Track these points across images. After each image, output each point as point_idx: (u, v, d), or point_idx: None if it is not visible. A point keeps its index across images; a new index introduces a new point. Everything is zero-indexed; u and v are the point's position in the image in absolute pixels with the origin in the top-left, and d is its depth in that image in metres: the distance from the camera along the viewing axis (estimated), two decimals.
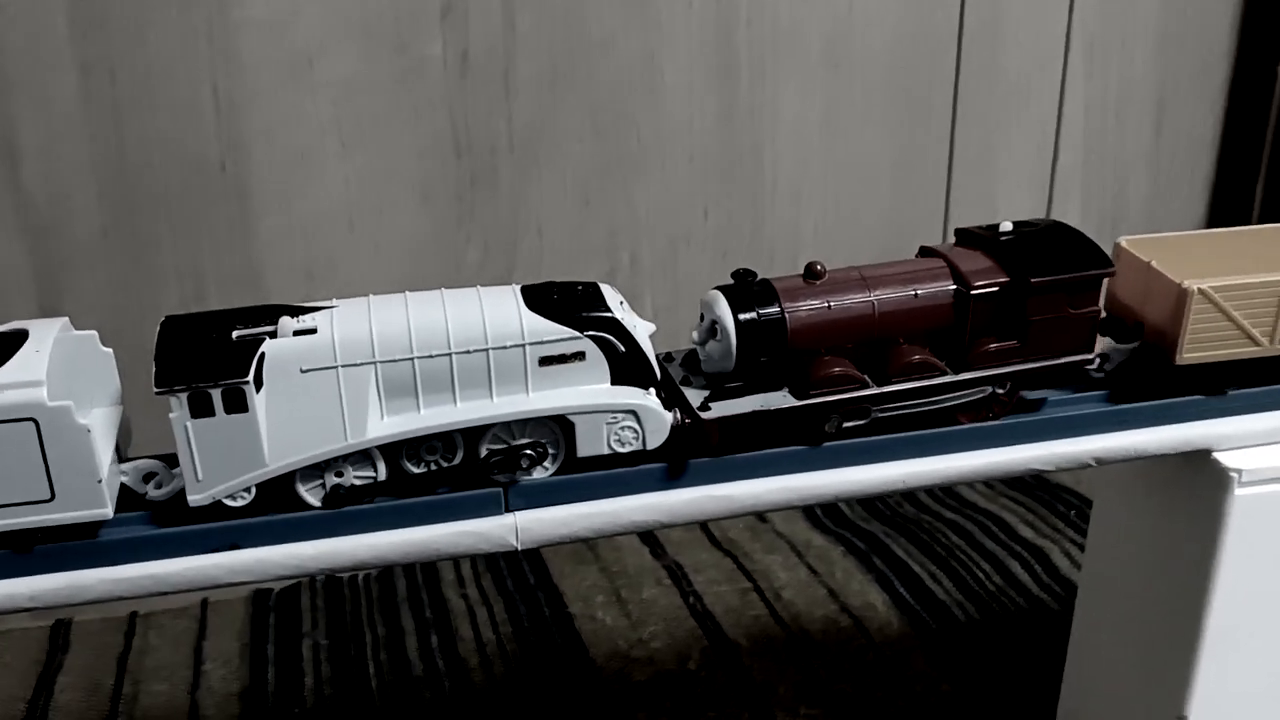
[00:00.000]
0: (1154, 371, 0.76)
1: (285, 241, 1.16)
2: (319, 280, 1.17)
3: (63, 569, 0.63)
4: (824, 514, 1.36)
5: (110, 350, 0.65)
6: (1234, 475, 0.75)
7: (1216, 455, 0.75)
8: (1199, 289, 0.73)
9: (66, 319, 0.63)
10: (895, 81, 1.29)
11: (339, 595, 1.22)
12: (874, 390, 0.70)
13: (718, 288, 0.70)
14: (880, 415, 0.71)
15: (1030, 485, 1.40)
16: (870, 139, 1.30)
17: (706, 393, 0.69)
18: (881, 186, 1.33)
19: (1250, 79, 1.39)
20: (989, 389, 0.72)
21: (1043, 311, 0.71)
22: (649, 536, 1.32)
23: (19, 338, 0.61)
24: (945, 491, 1.40)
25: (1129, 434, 0.75)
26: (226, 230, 1.14)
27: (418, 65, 1.15)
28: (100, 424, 0.62)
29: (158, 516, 0.64)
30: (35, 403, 0.58)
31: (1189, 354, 0.74)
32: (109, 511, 0.61)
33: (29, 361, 0.59)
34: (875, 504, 1.38)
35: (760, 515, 1.36)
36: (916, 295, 0.71)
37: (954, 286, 0.71)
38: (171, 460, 0.64)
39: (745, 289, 0.70)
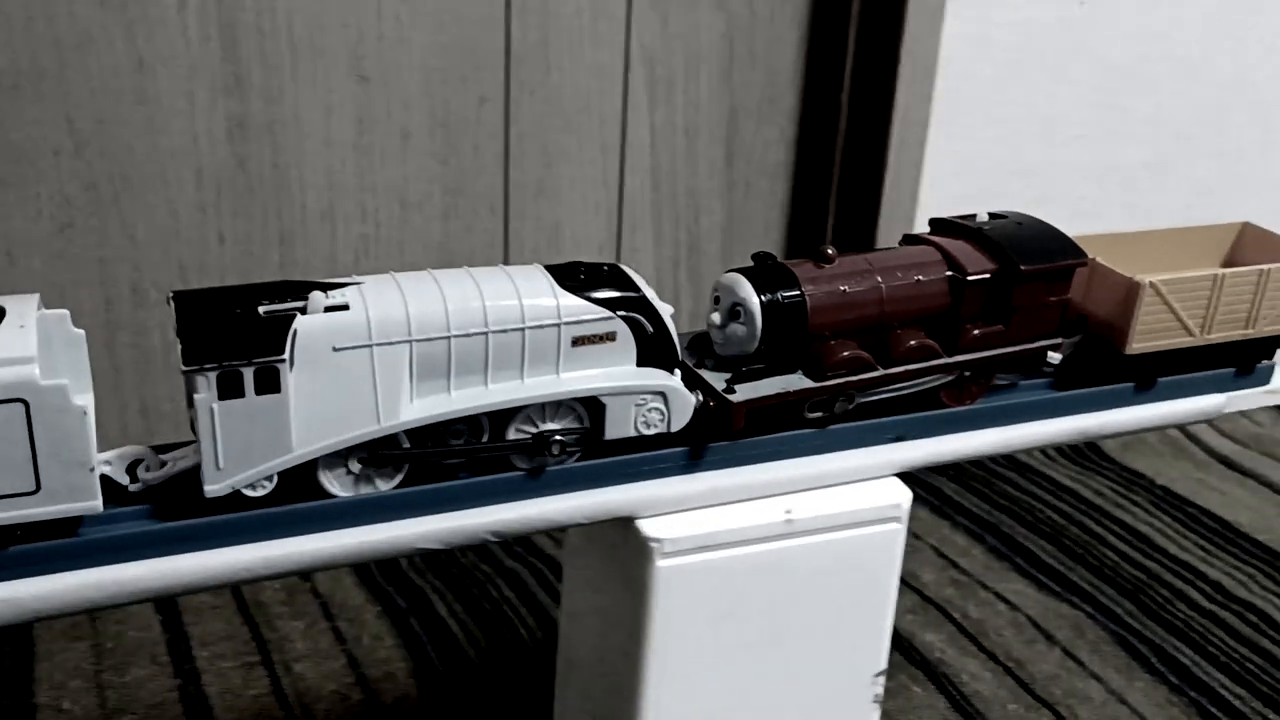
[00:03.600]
0: (1103, 361, 0.80)
1: None
2: None
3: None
4: (377, 569, 1.24)
5: (82, 331, 0.58)
6: (654, 545, 0.67)
7: (639, 523, 0.68)
8: (1150, 283, 0.76)
9: (38, 295, 0.57)
10: (437, 98, 1.19)
11: None
12: (883, 373, 0.72)
13: (736, 270, 0.70)
14: (877, 398, 0.73)
15: None
16: (413, 159, 1.20)
17: (726, 375, 0.69)
18: (429, 211, 1.22)
19: (817, 106, 1.37)
20: (972, 371, 0.75)
21: (1026, 299, 0.75)
22: (168, 605, 1.16)
23: None
24: (515, 539, 1.31)
25: (542, 501, 0.66)
26: None
27: None
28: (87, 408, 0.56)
29: (159, 510, 0.59)
30: (26, 381, 0.52)
31: (1138, 344, 0.78)
32: (99, 504, 0.56)
33: (14, 338, 0.53)
34: (438, 555, 1.27)
35: (303, 574, 1.23)
36: (918, 281, 0.73)
37: (950, 273, 0.74)
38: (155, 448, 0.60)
39: (765, 271, 0.70)
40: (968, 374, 0.75)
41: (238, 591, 1.18)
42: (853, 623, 0.74)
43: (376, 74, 1.15)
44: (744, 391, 0.68)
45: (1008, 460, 1.50)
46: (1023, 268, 0.73)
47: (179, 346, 0.55)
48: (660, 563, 0.67)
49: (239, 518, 0.59)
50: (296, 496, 0.60)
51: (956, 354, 0.74)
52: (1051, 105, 1.44)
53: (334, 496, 0.61)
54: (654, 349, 0.65)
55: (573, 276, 0.64)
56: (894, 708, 1.06)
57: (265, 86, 1.11)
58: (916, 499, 1.43)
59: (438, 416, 0.61)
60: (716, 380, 0.69)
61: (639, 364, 0.65)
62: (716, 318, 0.70)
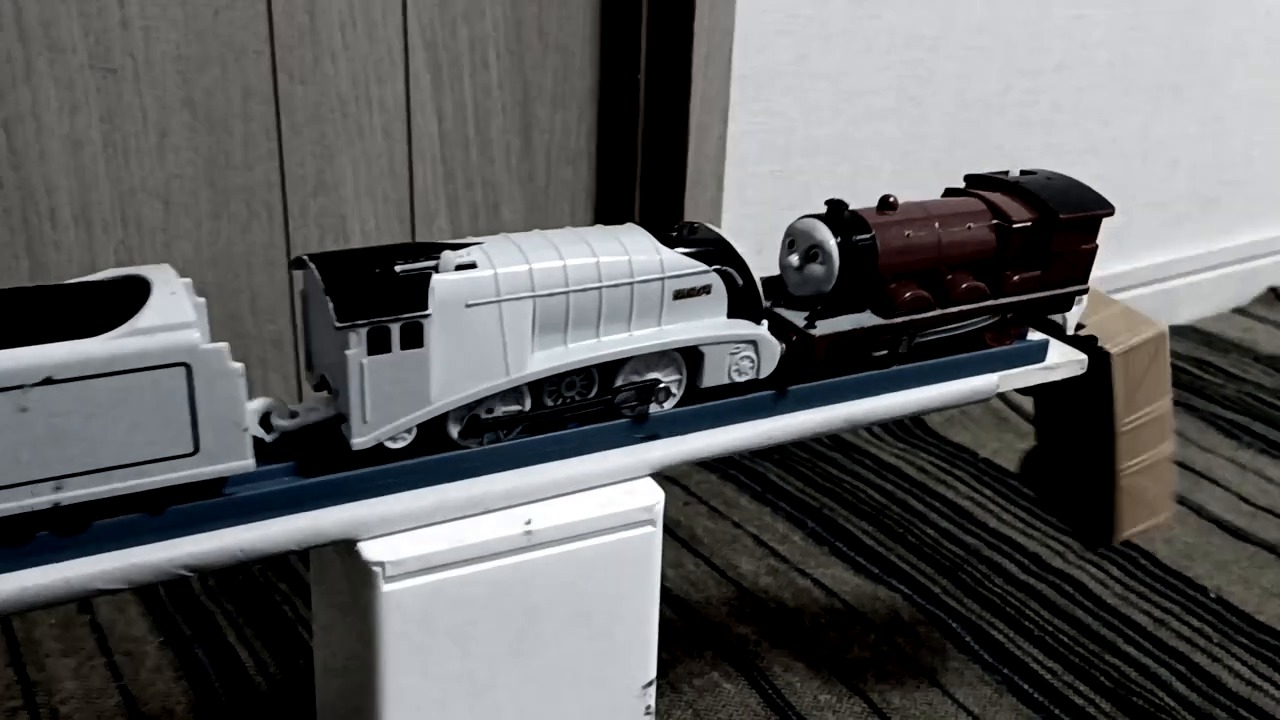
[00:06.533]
0: None
1: None
2: None
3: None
4: (165, 591, 1.16)
5: (204, 299, 0.57)
6: (377, 569, 0.61)
7: (361, 546, 0.62)
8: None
9: (168, 264, 0.57)
10: (196, 90, 1.10)
11: None
12: (942, 312, 0.77)
13: (810, 215, 0.75)
14: (935, 337, 0.78)
15: None
16: (174, 157, 1.12)
17: (802, 314, 0.74)
18: (197, 212, 1.14)
19: (615, 89, 1.32)
20: (1014, 313, 0.80)
21: (1063, 246, 0.80)
22: None
23: (140, 284, 0.55)
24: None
25: (249, 527, 0.60)
26: None
27: None
28: None
29: (302, 466, 0.61)
30: (188, 345, 0.53)
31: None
32: (251, 463, 0.57)
33: (170, 304, 0.54)
34: (232, 572, 1.20)
35: (82, 605, 1.14)
36: (969, 228, 0.78)
37: (996, 221, 0.79)
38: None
39: (837, 216, 0.74)
40: (1009, 315, 0.80)
41: (7, 627, 1.10)
42: (613, 635, 0.69)
43: (124, 66, 1.07)
44: (823, 327, 0.73)
45: (832, 440, 1.48)
46: (1062, 216, 0.79)
47: (330, 305, 0.57)
48: (385, 588, 0.61)
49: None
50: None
51: (1001, 297, 0.79)
52: (855, 79, 1.42)
53: (466, 447, 0.64)
54: (743, 300, 0.69)
55: (666, 234, 0.67)
56: (704, 707, 1.02)
57: None
58: (738, 485, 1.40)
59: (558, 368, 0.64)
60: (795, 319, 0.73)
61: (729, 315, 0.69)
62: (795, 259, 0.75)
